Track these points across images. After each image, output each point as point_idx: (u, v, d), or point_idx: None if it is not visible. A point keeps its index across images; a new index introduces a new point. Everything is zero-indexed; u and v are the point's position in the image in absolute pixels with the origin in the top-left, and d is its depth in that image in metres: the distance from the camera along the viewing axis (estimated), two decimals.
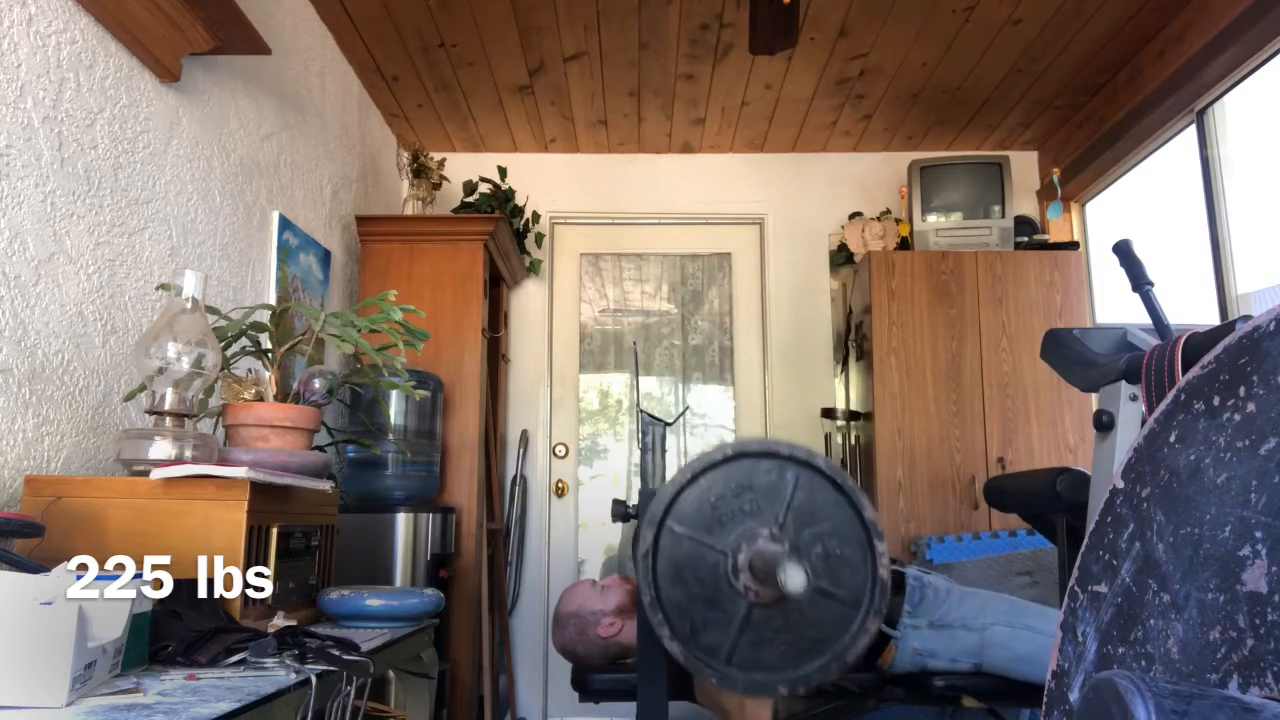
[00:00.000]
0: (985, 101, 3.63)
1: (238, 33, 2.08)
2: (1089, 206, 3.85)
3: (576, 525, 4.00)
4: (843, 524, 1.49)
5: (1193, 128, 3.03)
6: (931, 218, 3.59)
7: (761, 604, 1.46)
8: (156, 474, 1.40)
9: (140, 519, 1.40)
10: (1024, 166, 4.04)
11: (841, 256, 4.03)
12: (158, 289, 1.97)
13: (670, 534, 1.49)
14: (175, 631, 1.22)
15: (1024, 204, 3.98)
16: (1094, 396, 1.74)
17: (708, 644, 1.47)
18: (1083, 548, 0.82)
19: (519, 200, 4.05)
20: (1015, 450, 3.35)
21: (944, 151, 4.09)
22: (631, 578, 2.23)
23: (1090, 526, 0.82)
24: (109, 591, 1.06)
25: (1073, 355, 1.75)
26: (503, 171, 3.92)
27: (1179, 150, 3.19)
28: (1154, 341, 1.68)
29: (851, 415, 3.71)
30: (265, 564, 1.52)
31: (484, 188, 3.94)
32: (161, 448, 1.47)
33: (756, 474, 1.50)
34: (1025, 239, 3.61)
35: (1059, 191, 3.72)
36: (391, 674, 1.94)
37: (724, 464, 1.50)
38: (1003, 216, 3.55)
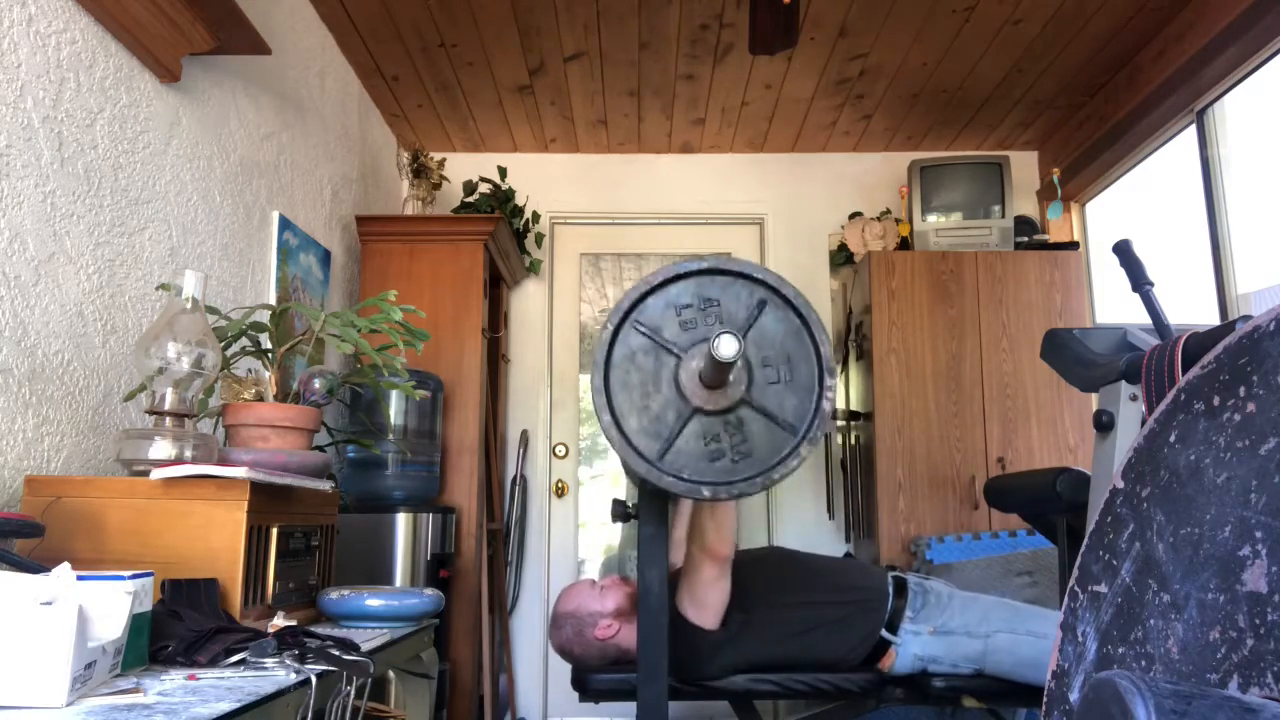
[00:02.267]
0: (985, 101, 3.63)
1: (238, 33, 2.08)
2: (1089, 206, 3.85)
3: (576, 525, 4.00)
4: (798, 355, 1.52)
5: (1193, 128, 3.03)
6: (931, 218, 3.59)
7: (704, 410, 1.50)
8: (156, 474, 1.40)
9: (140, 519, 1.40)
10: (1024, 166, 4.04)
11: (841, 256, 4.03)
12: (158, 289, 1.97)
13: (632, 328, 1.52)
14: (175, 631, 1.22)
15: (1024, 204, 3.98)
16: (1094, 396, 1.74)
17: (645, 437, 1.50)
18: (1083, 548, 0.82)
19: (519, 200, 4.05)
20: (1015, 450, 3.35)
21: (944, 151, 4.10)
22: (631, 579, 2.23)
23: (1090, 526, 0.82)
24: (109, 591, 1.07)
25: (1073, 355, 1.75)
26: (503, 171, 3.92)
27: (1179, 150, 3.19)
28: (1154, 341, 1.68)
29: (851, 415, 3.71)
30: (265, 564, 1.52)
31: (484, 188, 3.94)
32: (161, 448, 1.47)
33: (727, 291, 1.54)
34: (1025, 239, 3.61)
35: (1059, 191, 3.72)
36: (391, 674, 1.94)
37: (696, 275, 1.54)
38: (1003, 216, 3.55)
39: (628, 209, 4.13)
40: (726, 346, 1.36)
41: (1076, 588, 0.81)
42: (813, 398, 1.50)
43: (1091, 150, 3.54)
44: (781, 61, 3.33)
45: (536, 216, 4.04)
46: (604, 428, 1.50)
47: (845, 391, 3.87)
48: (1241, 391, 0.68)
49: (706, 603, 2.00)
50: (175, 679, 1.10)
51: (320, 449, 2.08)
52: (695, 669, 2.07)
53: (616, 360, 1.51)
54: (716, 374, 1.43)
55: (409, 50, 3.23)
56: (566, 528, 3.99)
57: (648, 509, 1.82)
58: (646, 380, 1.51)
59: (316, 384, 1.76)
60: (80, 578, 1.05)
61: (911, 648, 2.09)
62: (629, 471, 1.61)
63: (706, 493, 1.49)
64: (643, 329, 1.52)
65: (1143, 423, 1.55)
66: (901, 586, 2.17)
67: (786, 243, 4.09)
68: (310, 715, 1.13)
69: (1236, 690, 0.63)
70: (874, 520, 3.37)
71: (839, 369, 3.94)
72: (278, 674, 1.14)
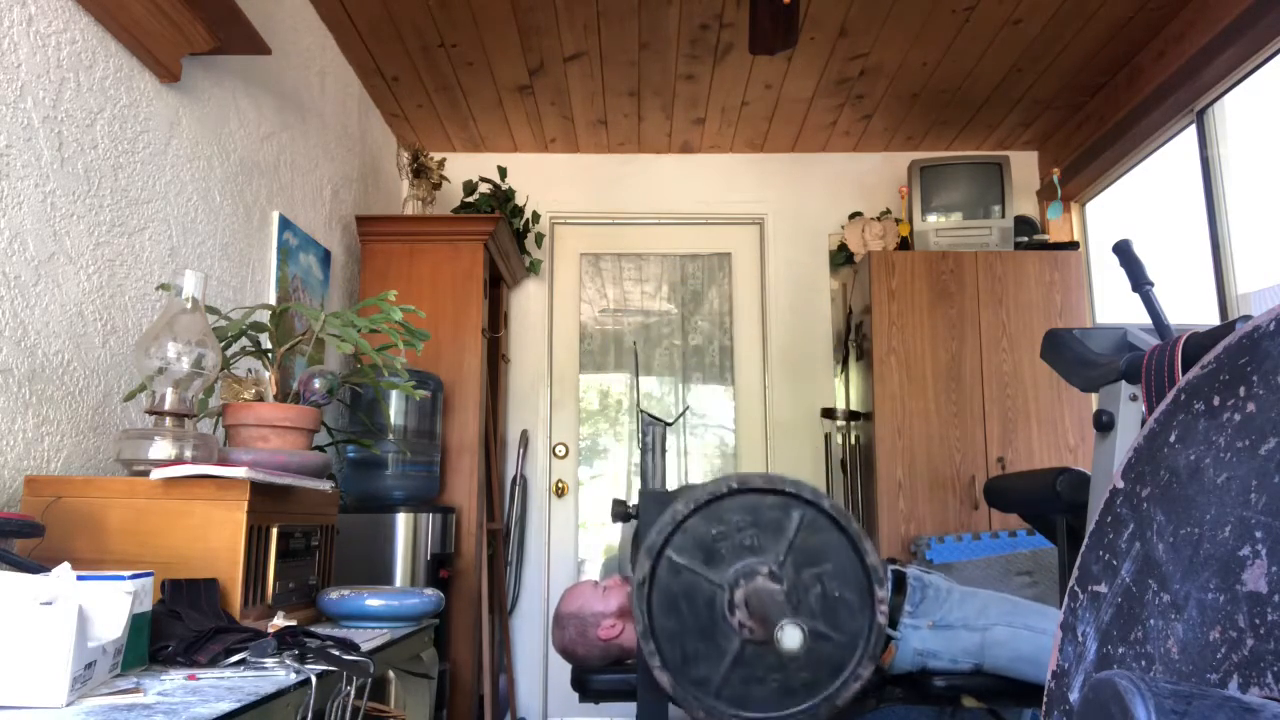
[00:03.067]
0: (985, 101, 3.63)
1: (238, 33, 2.08)
2: (1089, 206, 3.85)
3: (576, 525, 4.00)
4: (844, 566, 1.48)
5: (1193, 128, 3.03)
6: (931, 218, 3.59)
7: (755, 641, 1.46)
8: (156, 474, 1.40)
9: (140, 519, 1.40)
10: (1024, 166, 4.04)
11: (841, 256, 4.03)
12: (158, 289, 1.97)
13: (668, 563, 1.48)
14: (175, 631, 1.22)
15: (1024, 204, 3.98)
16: (1094, 396, 1.74)
17: (698, 676, 1.46)
18: (1083, 548, 0.82)
19: (519, 200, 4.05)
20: (1015, 450, 3.35)
21: (944, 151, 4.09)
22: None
23: (1090, 526, 0.82)
24: (109, 591, 1.07)
25: (1073, 355, 1.75)
26: (503, 171, 3.92)
27: (1179, 150, 3.19)
28: (1154, 341, 1.68)
29: (851, 415, 3.71)
30: (265, 564, 1.52)
31: (484, 188, 3.94)
32: (161, 448, 1.47)
33: (760, 509, 1.49)
34: (1025, 239, 3.61)
35: (1059, 191, 3.72)
36: (391, 674, 1.94)
37: (728, 497, 1.49)
38: (1003, 216, 3.55)
39: (628, 209, 4.13)
40: (791, 639, 1.30)
41: (1076, 588, 0.81)
42: (866, 612, 1.47)
43: (1091, 150, 3.54)
44: (781, 61, 3.33)
45: (536, 216, 4.04)
46: (655, 672, 1.45)
47: (845, 391, 3.87)
48: (1241, 391, 0.68)
49: None
50: (175, 679, 1.10)
51: (320, 449, 2.08)
52: None
53: (657, 602, 1.47)
54: (764, 606, 1.39)
55: (409, 50, 3.23)
56: (566, 528, 3.99)
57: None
58: (692, 617, 1.47)
59: (316, 384, 1.76)
60: (80, 578, 1.05)
61: (911, 642, 2.09)
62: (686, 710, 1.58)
63: None
64: (680, 564, 1.47)
65: (1143, 423, 1.56)
66: (900, 581, 2.17)
67: (786, 243, 4.09)
68: (310, 715, 1.13)
69: (1236, 690, 0.63)
70: (874, 520, 3.37)
71: (839, 369, 3.94)
72: (278, 674, 1.14)
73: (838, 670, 1.46)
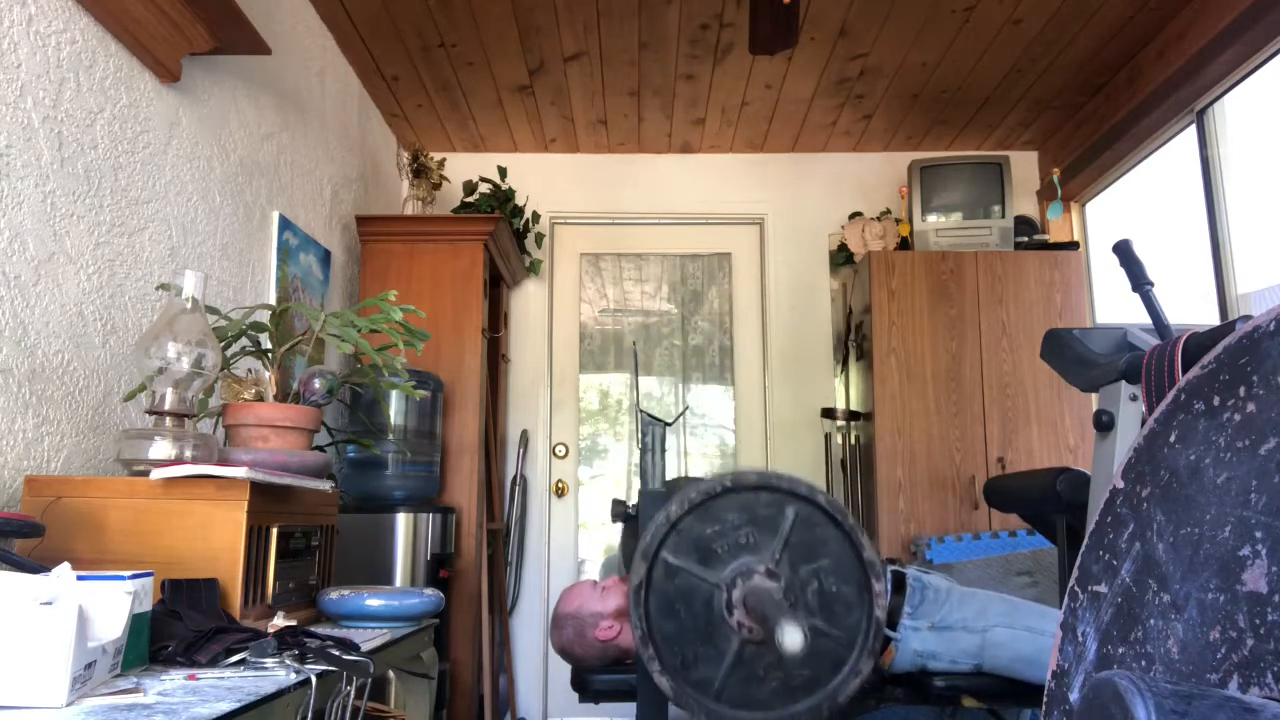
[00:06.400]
0: (985, 101, 3.63)
1: (238, 33, 2.08)
2: (1089, 206, 3.85)
3: (576, 525, 4.00)
4: (841, 561, 1.46)
5: (1193, 128, 3.03)
6: (931, 218, 3.59)
7: (754, 641, 1.44)
8: (156, 474, 1.40)
9: (140, 519, 1.40)
10: (1024, 166, 4.04)
11: (841, 256, 4.03)
12: (158, 289, 1.97)
13: (664, 565, 1.46)
14: (175, 631, 1.22)
15: (1024, 204, 3.98)
16: (1094, 396, 1.74)
17: (698, 679, 1.44)
18: (1083, 548, 0.82)
19: (519, 200, 4.05)
20: (1015, 450, 3.35)
21: (944, 151, 4.09)
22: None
23: (1090, 526, 0.82)
24: (109, 591, 1.07)
25: (1073, 355, 1.75)
26: (503, 171, 3.92)
27: (1179, 150, 3.19)
28: (1154, 341, 1.68)
29: (851, 415, 3.71)
30: (265, 564, 1.52)
31: (484, 188, 3.94)
32: (161, 448, 1.47)
33: (755, 506, 1.48)
34: (1025, 239, 3.61)
35: (1059, 191, 3.72)
36: (391, 674, 1.94)
37: (722, 496, 1.48)
38: (1003, 216, 3.55)
39: (628, 209, 4.13)
40: (792, 641, 1.26)
41: (1076, 588, 0.81)
42: (864, 606, 1.45)
43: (1091, 150, 3.54)
44: (781, 61, 3.33)
45: (536, 216, 4.04)
46: (654, 677, 1.43)
47: (845, 391, 3.87)
48: (1241, 391, 0.68)
49: None
50: (175, 679, 1.10)
51: (320, 449, 2.08)
52: None
53: (655, 605, 1.46)
54: (763, 606, 1.37)
55: (409, 50, 3.23)
56: (566, 528, 3.99)
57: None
58: (689, 618, 1.45)
59: (316, 384, 1.76)
60: (80, 578, 1.05)
61: (911, 643, 2.09)
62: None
63: None
64: (676, 566, 1.45)
65: (1143, 423, 1.56)
66: (900, 582, 2.17)
67: (786, 243, 4.09)
68: (310, 715, 1.13)
69: (1236, 690, 0.63)
70: (874, 520, 3.37)
71: (839, 369, 3.94)
72: (278, 674, 1.14)
73: (838, 666, 1.45)
